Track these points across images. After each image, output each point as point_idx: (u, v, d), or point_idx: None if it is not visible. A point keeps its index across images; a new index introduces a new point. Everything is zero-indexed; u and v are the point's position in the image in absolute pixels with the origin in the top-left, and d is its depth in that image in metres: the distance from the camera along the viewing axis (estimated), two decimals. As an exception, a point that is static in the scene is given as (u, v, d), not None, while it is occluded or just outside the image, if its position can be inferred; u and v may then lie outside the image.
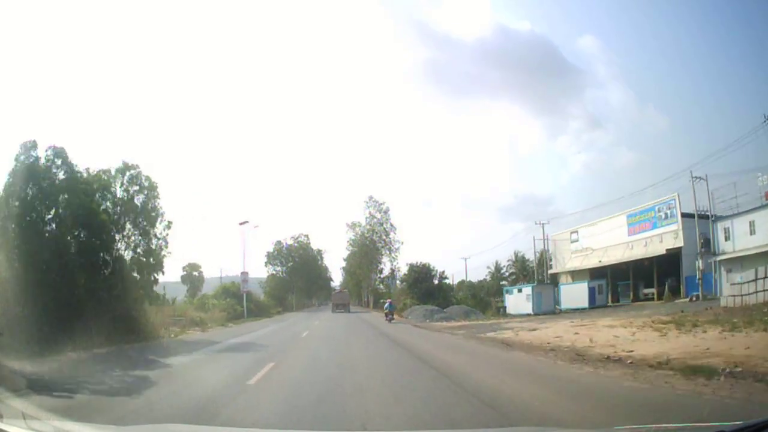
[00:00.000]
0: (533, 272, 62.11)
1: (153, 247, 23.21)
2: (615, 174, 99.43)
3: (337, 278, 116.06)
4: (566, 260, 52.21)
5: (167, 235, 23.78)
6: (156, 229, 23.41)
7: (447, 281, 62.60)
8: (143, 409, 7.14)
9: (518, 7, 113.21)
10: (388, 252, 76.04)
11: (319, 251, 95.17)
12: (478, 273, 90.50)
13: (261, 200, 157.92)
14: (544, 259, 57.40)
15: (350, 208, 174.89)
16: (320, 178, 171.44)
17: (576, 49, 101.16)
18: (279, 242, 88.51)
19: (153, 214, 23.35)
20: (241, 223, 51.60)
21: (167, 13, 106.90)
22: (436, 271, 58.46)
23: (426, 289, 53.57)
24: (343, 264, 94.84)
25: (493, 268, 71.93)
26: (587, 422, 6.00)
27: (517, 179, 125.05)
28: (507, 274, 70.55)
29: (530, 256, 64.74)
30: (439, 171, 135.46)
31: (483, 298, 56.57)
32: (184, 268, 74.61)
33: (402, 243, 74.50)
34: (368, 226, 77.20)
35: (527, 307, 37.90)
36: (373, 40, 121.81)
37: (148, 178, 23.43)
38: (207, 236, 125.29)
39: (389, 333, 24.55)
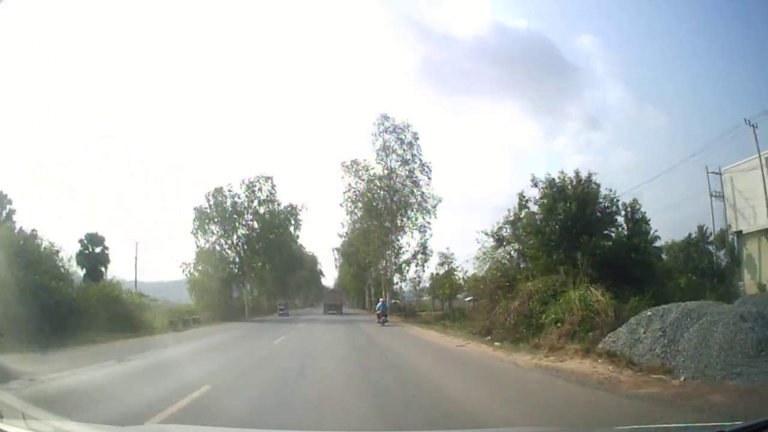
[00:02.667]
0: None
1: None
2: (612, 174, 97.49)
3: (329, 274, 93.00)
4: (758, 210, 26.02)
5: None
6: None
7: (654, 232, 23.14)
8: None
9: (517, 5, 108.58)
10: (414, 215, 41.56)
11: (293, 209, 48.29)
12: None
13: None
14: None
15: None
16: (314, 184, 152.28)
17: (574, 48, 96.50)
18: (219, 190, 45.06)
19: None
20: None
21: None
22: (623, 203, 21.52)
23: (615, 258, 18.57)
24: (338, 245, 62.50)
25: None
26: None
27: (515, 180, 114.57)
28: None
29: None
30: (437, 170, 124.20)
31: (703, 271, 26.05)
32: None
33: (440, 200, 41.54)
34: (382, 167, 41.59)
35: None
36: (371, 39, 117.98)
37: None
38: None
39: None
